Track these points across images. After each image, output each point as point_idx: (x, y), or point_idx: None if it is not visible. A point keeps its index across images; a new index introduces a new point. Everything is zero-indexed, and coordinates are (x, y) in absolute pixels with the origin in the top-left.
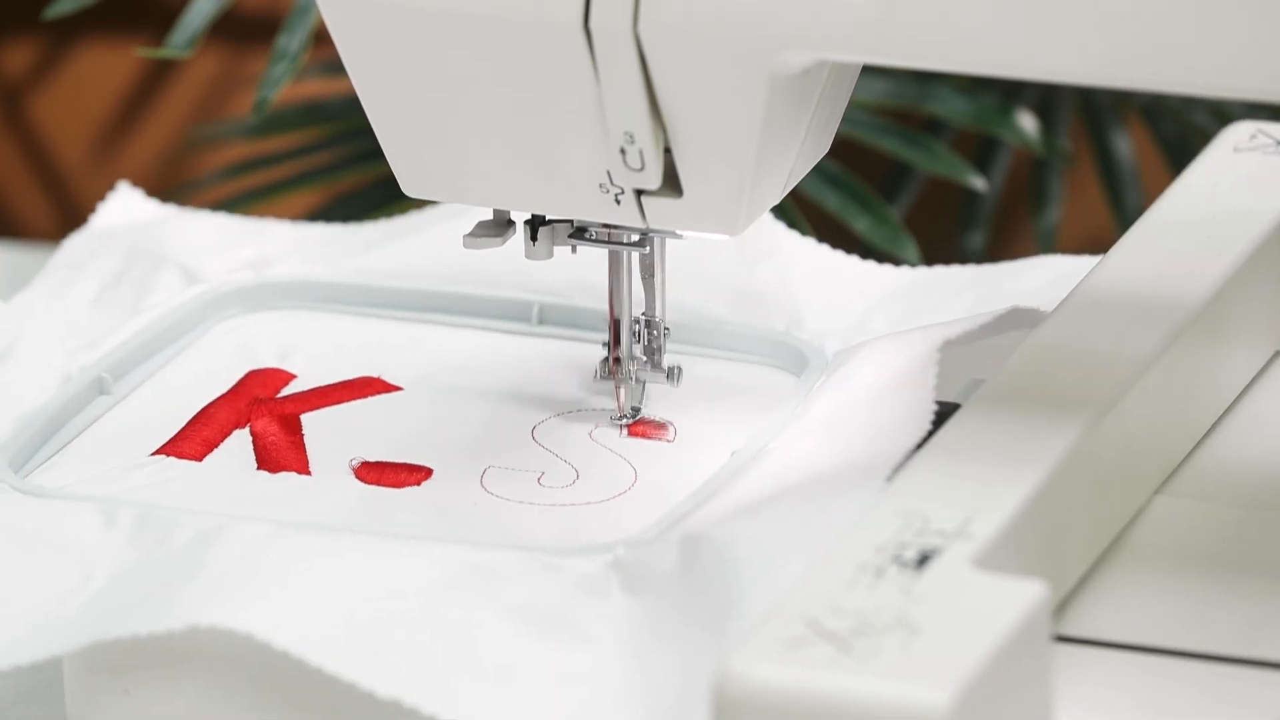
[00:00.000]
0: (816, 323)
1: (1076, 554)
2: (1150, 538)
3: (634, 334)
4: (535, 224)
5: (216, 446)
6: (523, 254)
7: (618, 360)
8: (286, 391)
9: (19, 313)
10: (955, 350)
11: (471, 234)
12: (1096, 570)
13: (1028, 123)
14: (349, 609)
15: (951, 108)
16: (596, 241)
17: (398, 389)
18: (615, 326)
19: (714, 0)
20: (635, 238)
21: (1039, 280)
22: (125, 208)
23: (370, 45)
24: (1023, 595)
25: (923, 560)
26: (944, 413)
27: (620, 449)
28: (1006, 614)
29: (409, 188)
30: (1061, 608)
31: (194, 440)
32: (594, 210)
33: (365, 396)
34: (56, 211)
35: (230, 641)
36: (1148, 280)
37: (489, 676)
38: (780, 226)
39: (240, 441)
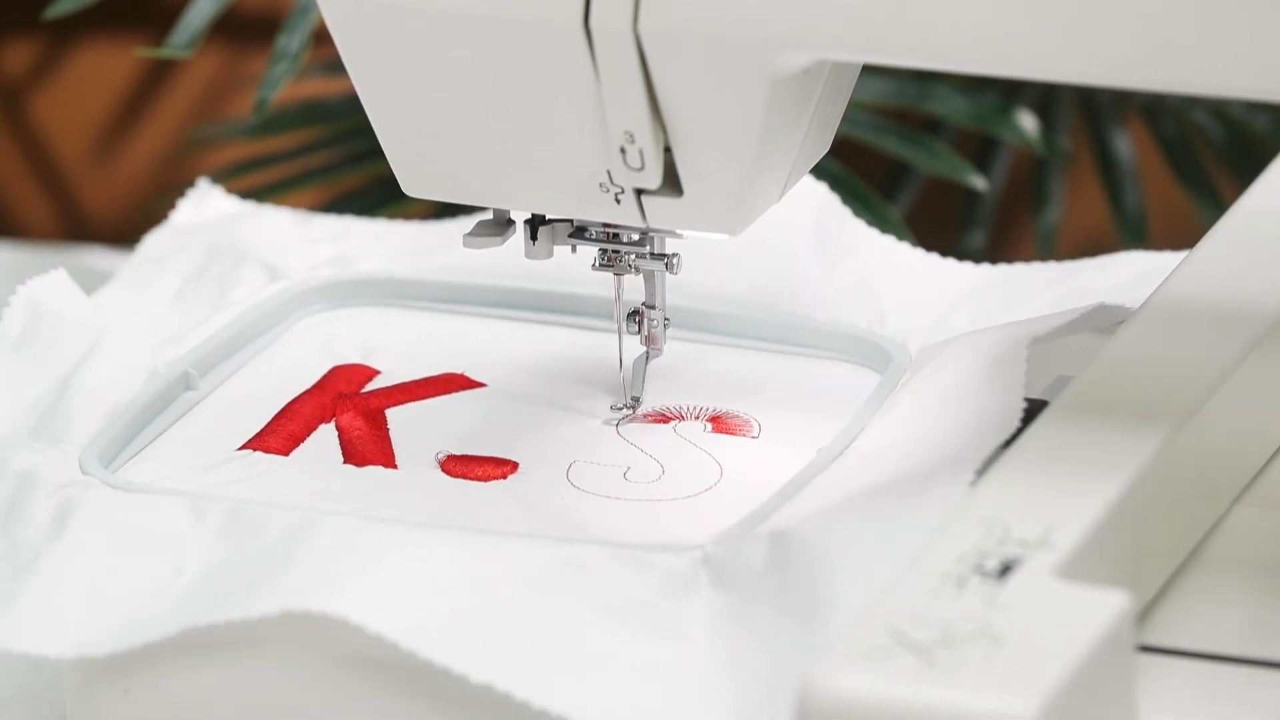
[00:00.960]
0: (899, 320)
1: (1158, 563)
2: (1231, 547)
3: (633, 321)
4: (535, 223)
5: (302, 441)
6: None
7: (616, 251)
8: (370, 387)
9: (101, 309)
10: (1041, 347)
11: (471, 234)
12: (1178, 579)
13: (1028, 122)
14: (439, 598)
15: (951, 107)
16: (597, 241)
17: (481, 385)
18: (613, 238)
19: (714, 0)
20: (635, 237)
21: (1122, 277)
22: (204, 204)
23: (370, 45)
24: (1105, 605)
25: (1005, 570)
26: (1032, 409)
27: (705, 445)
28: (1089, 624)
29: (409, 187)
30: (1144, 617)
31: (280, 435)
32: (594, 210)
33: (449, 393)
34: (56, 211)
35: (300, 633)
36: (1225, 286)
37: (578, 665)
38: (860, 224)
39: (326, 436)
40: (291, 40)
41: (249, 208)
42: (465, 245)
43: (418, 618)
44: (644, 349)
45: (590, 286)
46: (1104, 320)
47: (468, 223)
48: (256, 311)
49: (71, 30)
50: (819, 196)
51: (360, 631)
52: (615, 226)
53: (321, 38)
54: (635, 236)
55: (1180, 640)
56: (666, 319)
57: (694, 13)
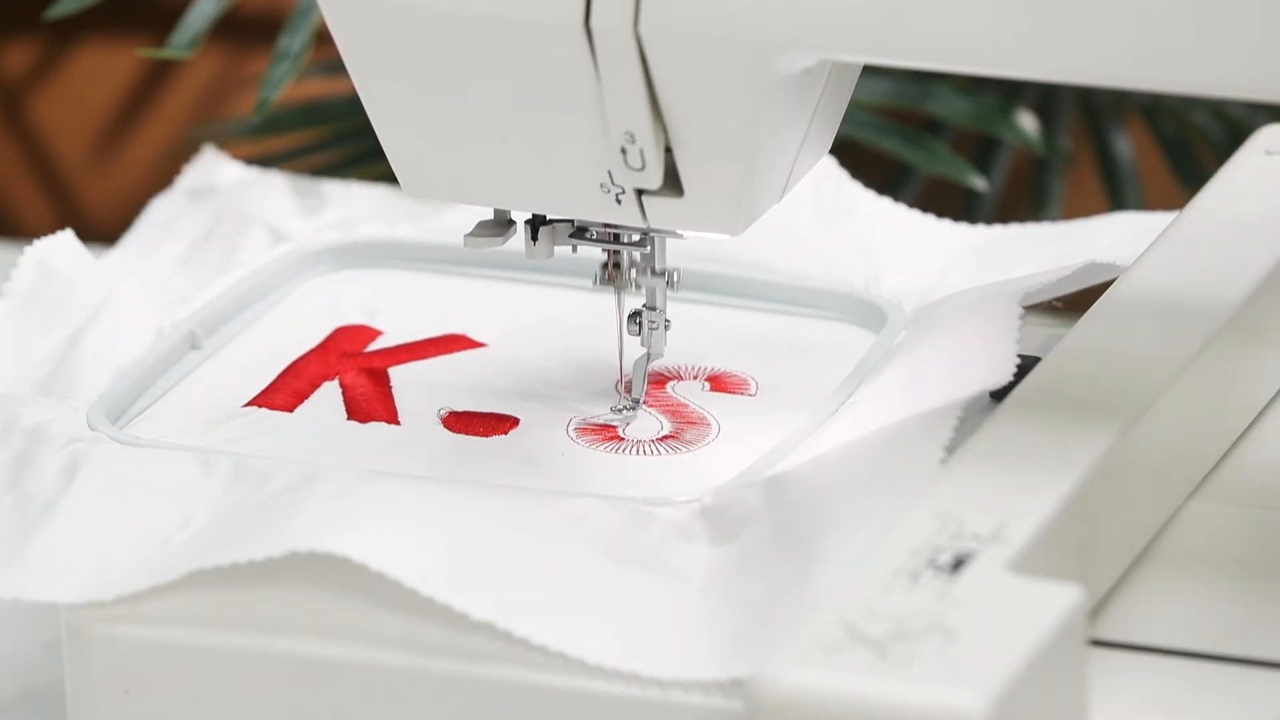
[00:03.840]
0: (895, 280)
1: (1111, 558)
2: (1184, 542)
3: (634, 322)
4: (536, 224)
5: (307, 398)
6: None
7: (616, 265)
8: (373, 347)
9: (109, 271)
10: (1034, 305)
11: (472, 234)
12: (1131, 574)
13: (1028, 123)
14: (439, 540)
15: (951, 108)
16: (597, 241)
17: (482, 345)
18: (614, 238)
19: (714, 1)
20: (636, 237)
21: (1114, 236)
22: (210, 170)
23: (371, 45)
24: (1057, 599)
25: (958, 564)
26: (1025, 366)
27: (702, 402)
28: (1041, 618)
29: (409, 188)
30: (1096, 612)
31: (285, 392)
32: (595, 210)
33: (450, 352)
34: (56, 211)
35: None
36: (1181, 284)
37: (575, 604)
38: (857, 186)
39: (330, 393)
40: (293, 40)
41: (255, 173)
42: (466, 245)
43: (419, 558)
44: (644, 350)
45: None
46: (1095, 277)
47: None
48: (262, 273)
49: (71, 30)
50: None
51: (364, 570)
52: (616, 227)
53: (322, 38)
54: (636, 236)
55: (1132, 635)
56: (667, 321)
57: (695, 13)
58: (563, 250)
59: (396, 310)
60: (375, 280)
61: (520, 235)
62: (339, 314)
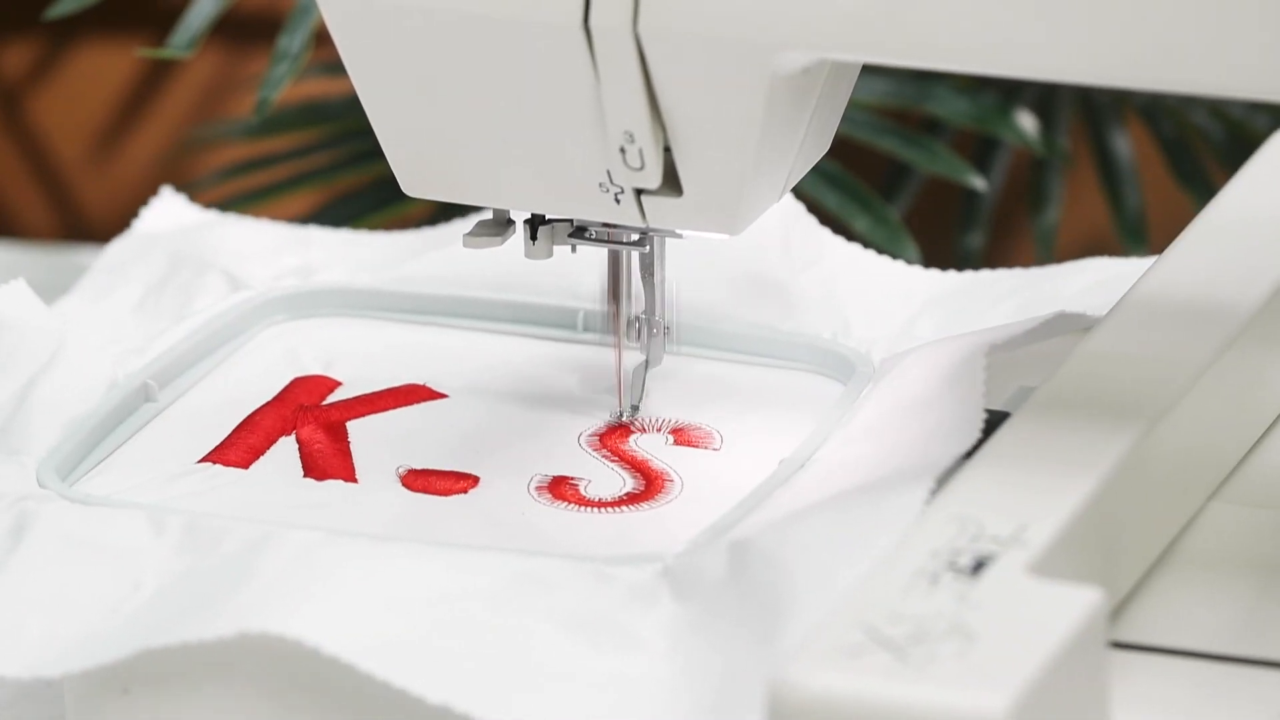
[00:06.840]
0: (863, 329)
1: (1131, 560)
2: (1204, 544)
3: (634, 332)
4: (535, 223)
5: (262, 454)
6: (560, 261)
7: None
8: (332, 399)
9: (62, 318)
10: (1002, 356)
11: (471, 233)
12: (1151, 576)
13: (1027, 122)
14: (397, 616)
15: (951, 108)
16: (596, 241)
17: (443, 396)
18: (613, 229)
19: (714, 0)
20: (635, 237)
21: (1085, 283)
22: (168, 213)
23: (370, 45)
24: (1078, 602)
25: (978, 567)
26: (993, 421)
27: (666, 457)
28: (1062, 620)
29: (409, 187)
30: (1116, 614)
31: (240, 448)
32: (594, 210)
33: (411, 404)
34: (56, 211)
35: (257, 653)
36: (1201, 284)
37: (538, 681)
38: (826, 233)
39: (286, 449)
40: (292, 40)
41: (212, 216)
42: (465, 245)
43: (374, 637)
44: (643, 357)
45: (552, 297)
46: (1064, 328)
47: (433, 234)
48: (218, 322)
49: (71, 30)
50: (784, 206)
51: (316, 654)
52: (615, 226)
53: (321, 38)
54: (635, 236)
55: (1153, 637)
56: (667, 328)
57: (694, 13)
58: (550, 265)
59: (355, 360)
60: (334, 329)
61: (519, 237)
62: (297, 364)
